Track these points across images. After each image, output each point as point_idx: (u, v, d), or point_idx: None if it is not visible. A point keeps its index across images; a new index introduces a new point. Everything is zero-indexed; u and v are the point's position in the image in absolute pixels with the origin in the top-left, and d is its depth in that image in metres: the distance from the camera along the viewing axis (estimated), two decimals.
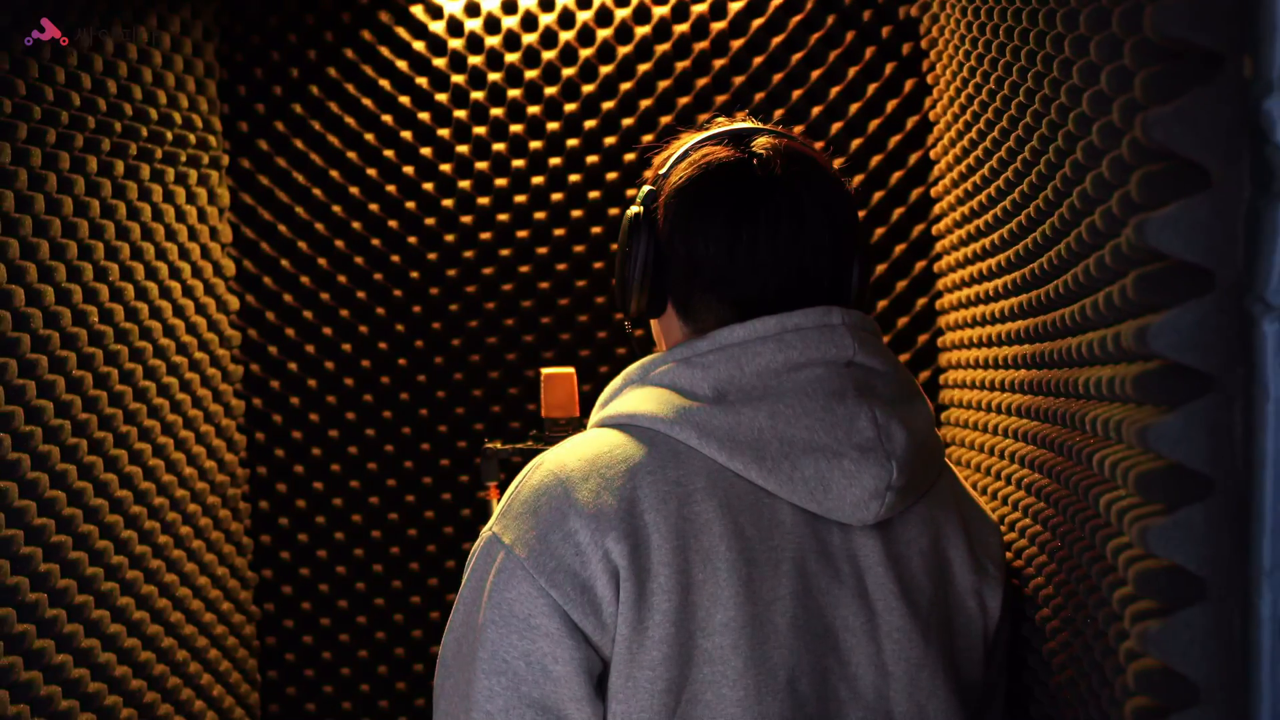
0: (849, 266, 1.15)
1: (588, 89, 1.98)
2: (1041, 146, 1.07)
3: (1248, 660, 0.63)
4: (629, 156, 1.97)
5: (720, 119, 1.24)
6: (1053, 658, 1.10)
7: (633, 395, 1.10)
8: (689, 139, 1.19)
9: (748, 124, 1.20)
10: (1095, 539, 0.88)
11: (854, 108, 1.92)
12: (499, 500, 1.78)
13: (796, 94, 1.93)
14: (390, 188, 2.01)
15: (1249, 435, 0.62)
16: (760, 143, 1.14)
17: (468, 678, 1.01)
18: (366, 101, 2.00)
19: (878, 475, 1.04)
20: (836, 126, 1.92)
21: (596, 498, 1.00)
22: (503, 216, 2.00)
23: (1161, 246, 0.65)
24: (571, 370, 1.76)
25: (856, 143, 1.92)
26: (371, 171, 2.01)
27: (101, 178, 1.55)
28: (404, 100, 2.00)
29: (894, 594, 1.06)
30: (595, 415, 1.15)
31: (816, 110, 1.93)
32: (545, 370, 1.76)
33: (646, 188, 1.16)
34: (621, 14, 1.95)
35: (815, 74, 1.93)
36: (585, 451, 1.06)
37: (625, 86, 1.97)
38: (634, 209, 1.15)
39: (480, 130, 2.00)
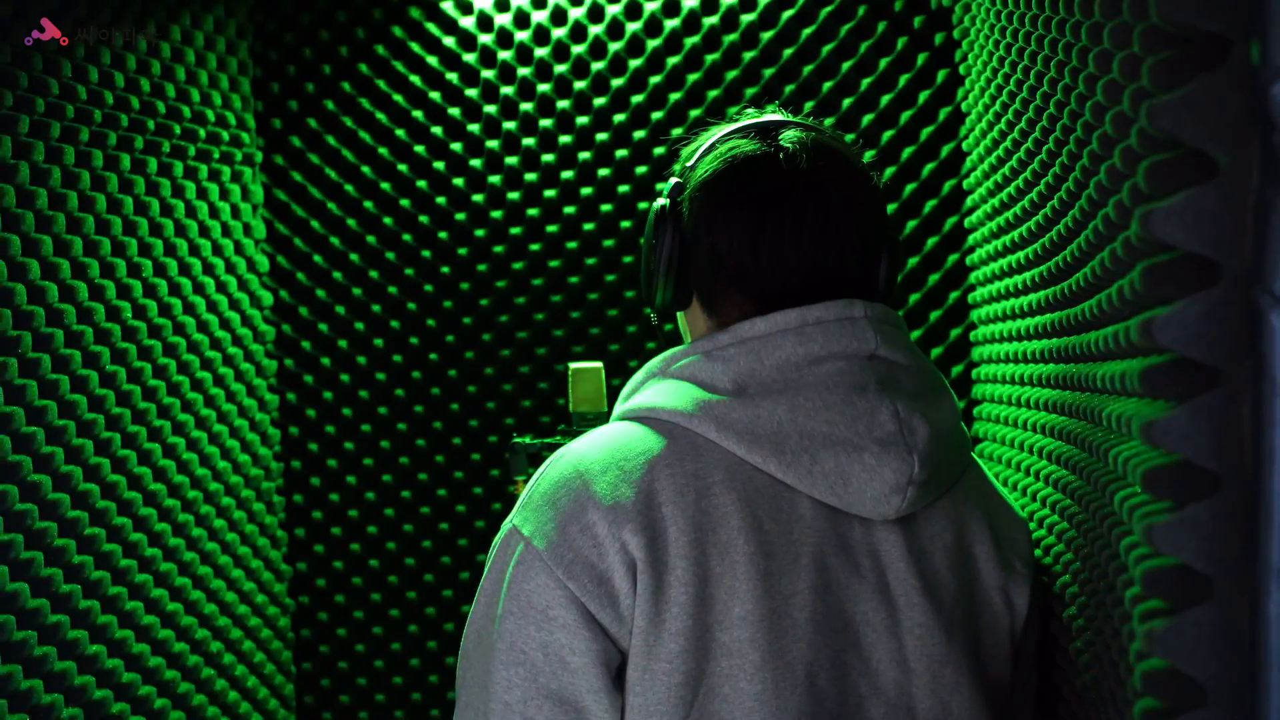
0: (876, 261, 1.14)
1: (616, 83, 1.97)
2: (1064, 137, 1.05)
3: (1256, 660, 0.61)
4: (657, 150, 1.97)
5: (749, 111, 1.23)
6: (1079, 657, 1.09)
7: (654, 389, 1.10)
8: (716, 131, 1.19)
9: (776, 116, 1.18)
10: (1112, 537, 0.86)
11: (886, 99, 1.90)
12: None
13: (828, 86, 1.92)
14: (421, 183, 2.02)
15: (1257, 430, 0.60)
16: (787, 136, 1.13)
17: (486, 668, 1.02)
18: (398, 97, 2.02)
19: (899, 469, 1.03)
20: (868, 118, 1.90)
21: (614, 490, 1.01)
22: (532, 211, 2.00)
23: (1167, 237, 0.63)
24: (599, 365, 1.75)
25: (889, 134, 1.90)
26: (403, 167, 2.02)
27: (134, 175, 1.58)
28: (434, 96, 2.01)
29: (916, 589, 1.05)
30: (618, 409, 1.15)
31: (848, 102, 1.91)
32: (573, 365, 1.76)
33: (672, 180, 1.16)
34: (650, 7, 1.95)
35: (846, 65, 1.91)
36: (605, 444, 1.06)
37: (654, 80, 1.96)
38: (660, 201, 1.14)
39: (510, 125, 2.00)
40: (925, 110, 1.89)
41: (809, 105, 1.93)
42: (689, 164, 1.16)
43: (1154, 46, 0.68)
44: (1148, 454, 0.71)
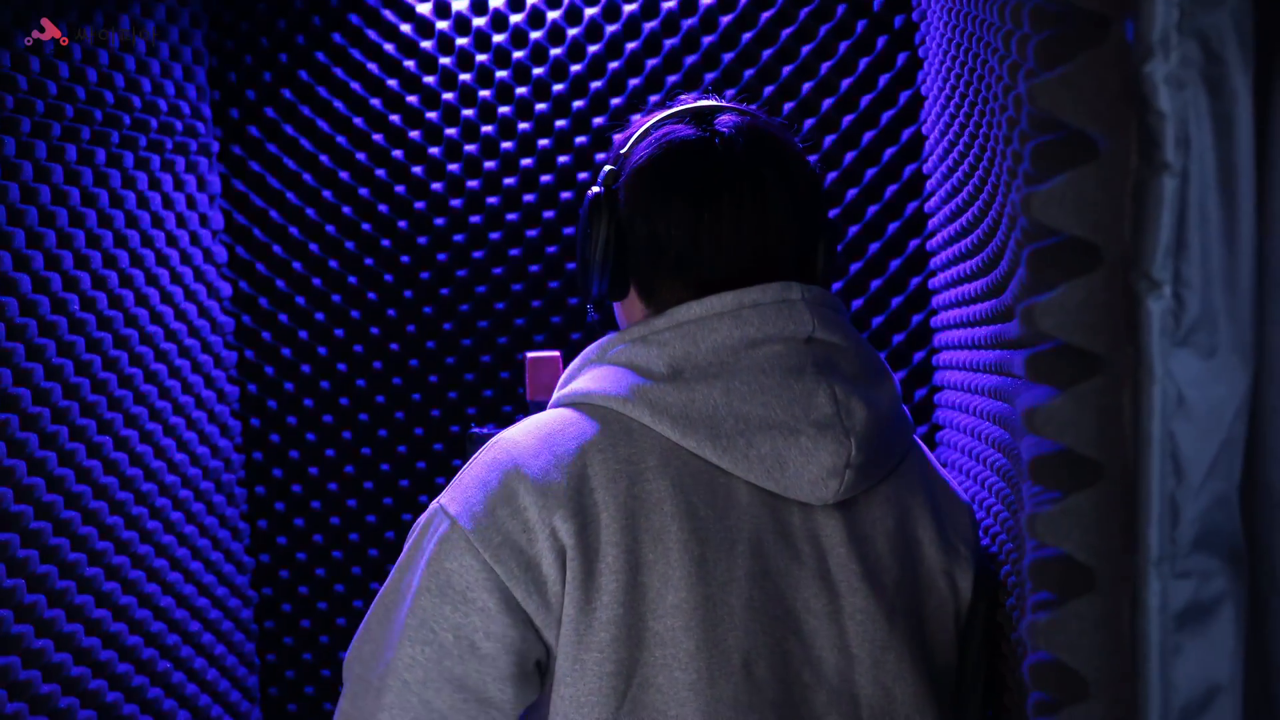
0: (814, 246, 1.13)
1: (575, 68, 1.95)
2: (986, 120, 1.04)
3: (1137, 653, 0.60)
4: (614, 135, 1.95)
5: (683, 96, 1.21)
6: (1018, 647, 1.08)
7: (590, 374, 1.09)
8: (649, 117, 1.17)
9: (710, 101, 1.17)
10: (1021, 527, 0.85)
11: (846, 83, 1.88)
12: None
13: (787, 70, 1.90)
14: (380, 171, 2.00)
15: (1136, 418, 0.59)
16: (723, 121, 1.12)
17: (390, 643, 0.99)
18: (355, 85, 2.00)
19: (835, 452, 1.02)
20: (828, 102, 1.88)
21: (546, 475, 1.00)
22: (492, 199, 1.99)
23: (1048, 221, 0.61)
24: (557, 353, 1.74)
25: (849, 118, 1.88)
26: (361, 156, 2.00)
27: (80, 167, 1.56)
28: (392, 83, 1.99)
29: (857, 575, 1.04)
30: (555, 395, 1.14)
31: (808, 86, 1.89)
32: (530, 354, 1.74)
33: (607, 167, 1.14)
34: None
35: (807, 49, 1.89)
36: (539, 430, 1.05)
37: (612, 65, 1.94)
38: (594, 190, 1.13)
39: (468, 112, 1.98)
40: (886, 94, 1.86)
41: (769, 90, 1.91)
42: (623, 150, 1.14)
43: (1040, 25, 0.67)
44: (1037, 443, 0.70)
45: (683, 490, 1.00)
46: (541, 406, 1.71)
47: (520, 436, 1.06)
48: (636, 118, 1.20)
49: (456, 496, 1.04)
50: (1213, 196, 0.56)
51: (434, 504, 1.06)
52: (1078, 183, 0.60)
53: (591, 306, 1.28)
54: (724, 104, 1.16)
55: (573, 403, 1.09)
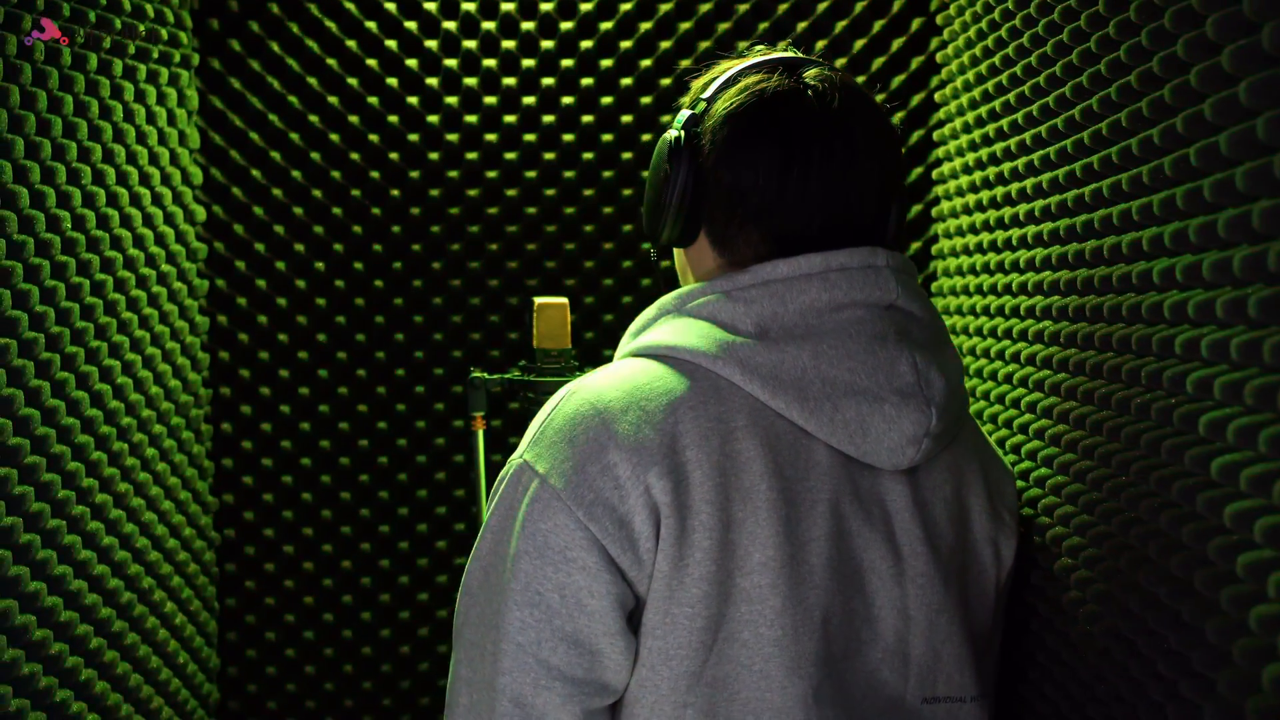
0: (888, 209, 1.14)
1: (585, 7, 1.90)
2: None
3: None
4: (625, 81, 1.90)
5: (759, 47, 1.20)
6: (1076, 608, 1.11)
7: (669, 326, 1.08)
8: (731, 65, 1.15)
9: (792, 54, 1.16)
10: (1174, 494, 0.88)
11: (859, 44, 1.88)
12: (482, 430, 1.73)
13: (801, 26, 1.88)
14: (372, 99, 1.90)
15: None
16: (813, 74, 1.11)
17: (497, 608, 0.99)
18: (349, 5, 1.89)
19: (917, 421, 1.05)
20: (840, 63, 1.88)
21: (637, 431, 0.99)
22: (490, 136, 1.92)
23: None
24: (565, 300, 1.71)
25: (860, 80, 1.89)
26: (352, 81, 1.90)
27: (74, 72, 1.43)
28: (390, 7, 1.89)
29: (920, 539, 1.08)
30: (627, 344, 1.12)
31: (821, 44, 1.88)
32: (539, 299, 1.70)
33: (686, 112, 1.12)
34: None
35: (821, 6, 1.88)
36: (624, 383, 1.04)
37: (584, 7, 1.89)
38: (673, 133, 1.11)
39: (470, 44, 1.90)
40: (898, 57, 1.87)
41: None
42: (705, 96, 1.13)
43: None
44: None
45: (770, 449, 1.01)
46: (548, 354, 1.69)
47: (604, 388, 1.04)
48: (712, 65, 1.20)
49: (542, 453, 1.03)
50: None
51: (516, 459, 1.05)
52: None
53: (655, 251, 1.26)
54: (808, 58, 1.16)
55: (654, 354, 1.07)
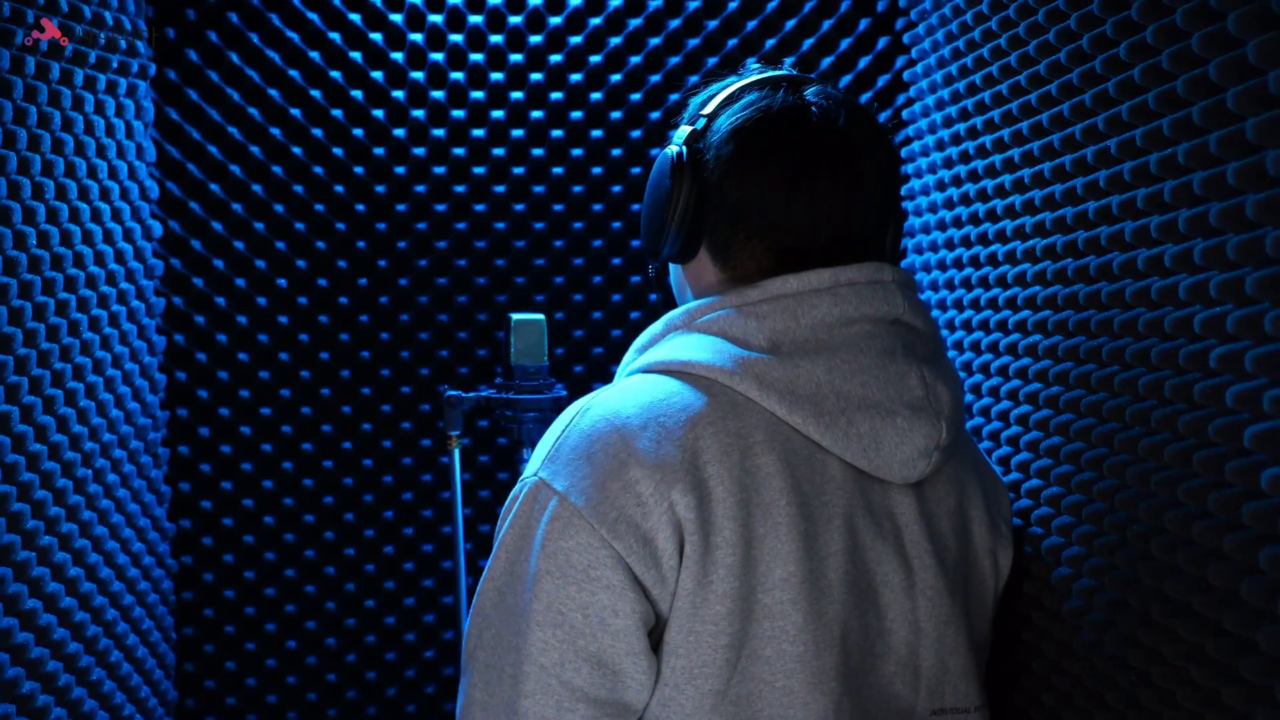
0: (886, 225, 1.16)
1: (554, 21, 1.88)
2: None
3: None
4: (594, 95, 1.89)
5: (754, 65, 1.22)
6: (1079, 617, 1.13)
7: (679, 341, 1.09)
8: (732, 82, 1.17)
9: (790, 72, 1.18)
10: (1175, 524, 0.91)
11: (827, 61, 1.90)
12: (455, 448, 1.70)
13: (770, 43, 1.90)
14: (336, 111, 1.86)
15: None
16: (815, 92, 1.13)
17: (516, 629, 0.98)
18: (312, 16, 1.84)
19: (929, 434, 1.07)
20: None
21: (658, 448, 0.99)
22: (458, 151, 1.89)
23: None
24: (541, 317, 1.70)
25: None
26: (316, 92, 1.85)
27: (37, 82, 1.37)
28: (354, 18, 1.85)
29: (928, 551, 1.09)
30: (636, 360, 1.12)
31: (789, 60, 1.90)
32: (515, 316, 1.69)
33: (686, 128, 1.13)
34: None
35: (789, 24, 1.90)
36: (640, 399, 1.04)
37: (593, 20, 1.88)
38: (674, 148, 1.12)
39: (437, 57, 1.87)
40: (864, 75, 1.90)
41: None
42: (705, 112, 1.13)
43: None
44: None
45: (788, 465, 1.02)
46: (525, 371, 1.67)
47: (620, 404, 1.04)
48: (702, 82, 1.21)
49: (559, 470, 1.02)
50: None
51: (530, 477, 1.04)
52: None
53: (654, 268, 1.27)
54: (807, 76, 1.18)
55: (667, 370, 1.07)
